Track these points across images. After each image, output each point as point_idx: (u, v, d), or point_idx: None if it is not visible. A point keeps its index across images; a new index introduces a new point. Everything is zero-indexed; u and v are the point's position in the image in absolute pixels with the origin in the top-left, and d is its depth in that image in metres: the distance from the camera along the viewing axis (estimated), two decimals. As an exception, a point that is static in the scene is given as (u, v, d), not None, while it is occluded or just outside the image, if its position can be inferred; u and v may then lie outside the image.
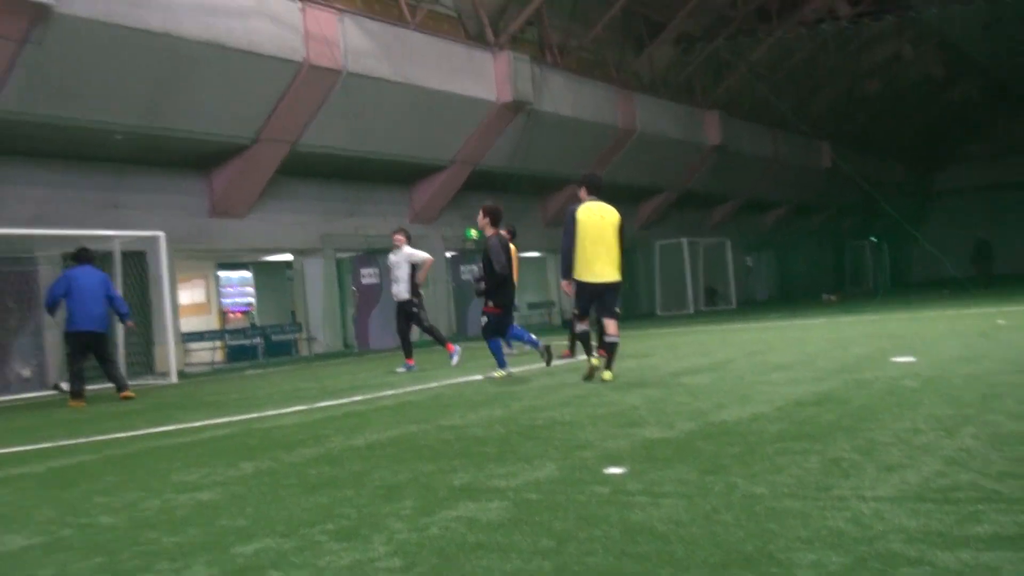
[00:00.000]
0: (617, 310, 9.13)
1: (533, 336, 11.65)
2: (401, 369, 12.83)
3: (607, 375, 8.97)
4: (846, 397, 6.63)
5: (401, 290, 13.10)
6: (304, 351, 21.44)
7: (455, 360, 12.81)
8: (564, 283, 9.33)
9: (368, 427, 7.11)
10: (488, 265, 10.51)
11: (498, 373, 10.52)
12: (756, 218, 39.46)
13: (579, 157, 26.04)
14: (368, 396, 9.69)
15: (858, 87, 37.99)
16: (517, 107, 22.52)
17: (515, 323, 11.76)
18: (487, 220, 10.66)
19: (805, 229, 42.18)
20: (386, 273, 22.54)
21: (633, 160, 27.55)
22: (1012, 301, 19.15)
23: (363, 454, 5.78)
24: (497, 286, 10.57)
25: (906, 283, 42.89)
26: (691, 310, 30.59)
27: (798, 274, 40.21)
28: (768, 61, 32.01)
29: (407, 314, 13.16)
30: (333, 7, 18.46)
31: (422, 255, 13.21)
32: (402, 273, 13.05)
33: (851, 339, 12.39)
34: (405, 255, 13.08)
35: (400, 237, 13.24)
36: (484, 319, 10.81)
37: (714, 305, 32.82)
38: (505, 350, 11.81)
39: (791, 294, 38.67)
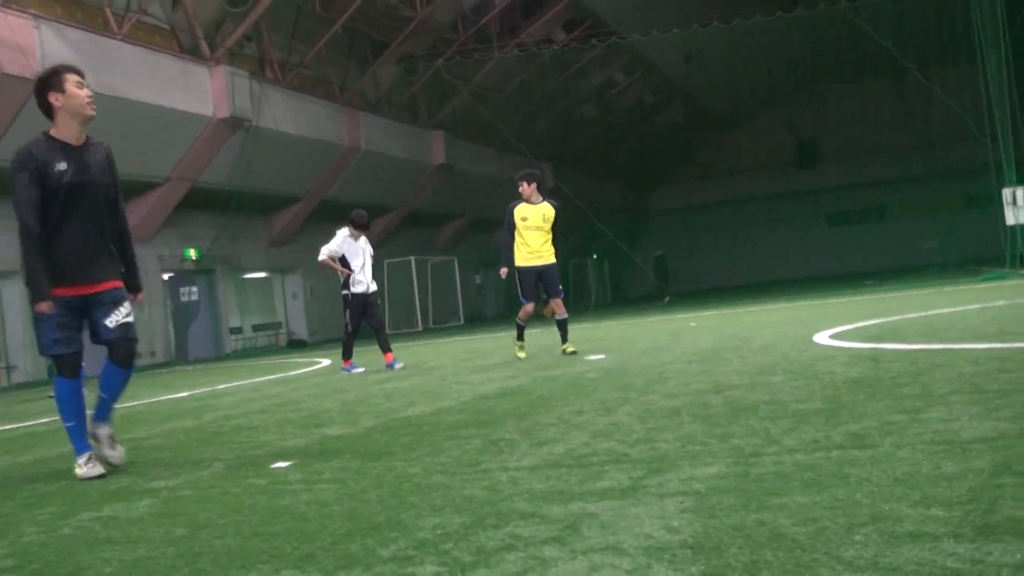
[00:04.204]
0: None
1: None
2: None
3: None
4: (531, 390, 6.92)
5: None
6: (3, 381, 19.78)
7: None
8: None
9: (43, 444, 6.66)
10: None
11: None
12: (484, 237, 40.51)
13: (303, 175, 25.77)
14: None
15: (576, 111, 39.91)
16: (235, 123, 21.96)
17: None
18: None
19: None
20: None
21: (359, 178, 27.54)
22: (709, 308, 20.76)
23: (25, 470, 5.41)
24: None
25: (625, 297, 45.41)
26: (419, 327, 30.85)
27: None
28: (491, 84, 33.02)
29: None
30: (28, 12, 17.29)
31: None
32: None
33: (554, 345, 12.94)
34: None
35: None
36: None
37: (444, 322, 33.28)
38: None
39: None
